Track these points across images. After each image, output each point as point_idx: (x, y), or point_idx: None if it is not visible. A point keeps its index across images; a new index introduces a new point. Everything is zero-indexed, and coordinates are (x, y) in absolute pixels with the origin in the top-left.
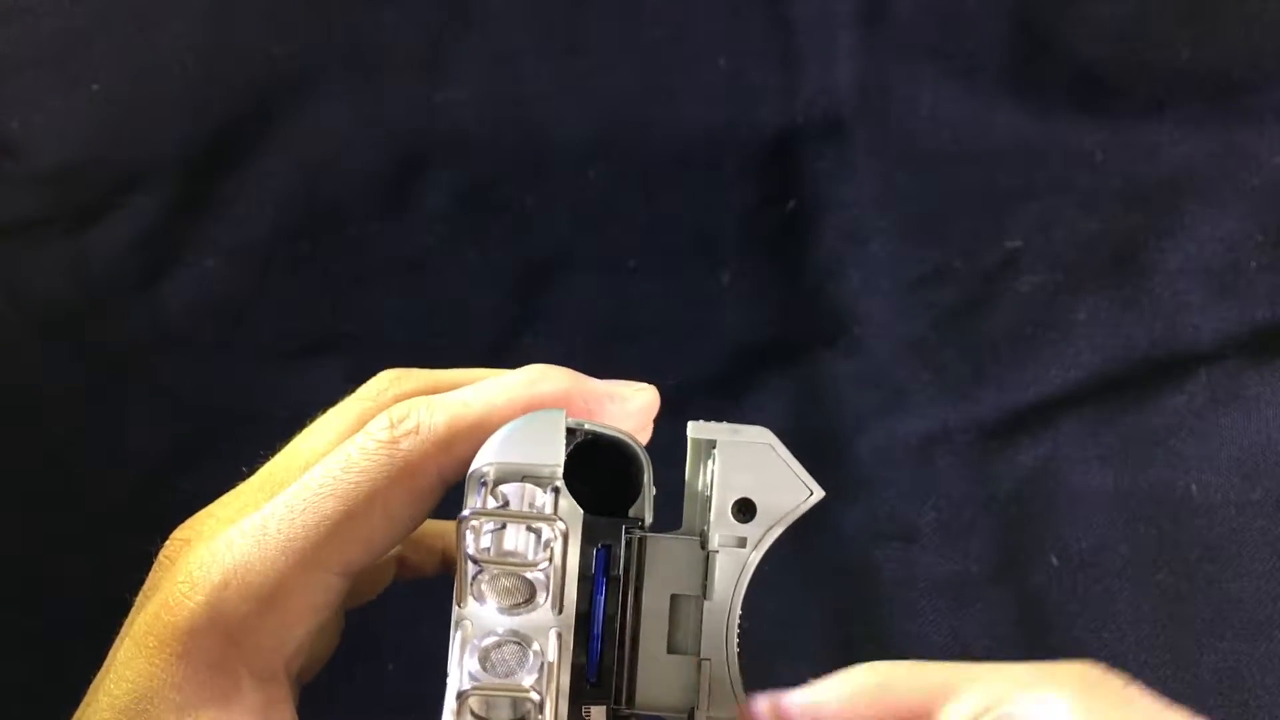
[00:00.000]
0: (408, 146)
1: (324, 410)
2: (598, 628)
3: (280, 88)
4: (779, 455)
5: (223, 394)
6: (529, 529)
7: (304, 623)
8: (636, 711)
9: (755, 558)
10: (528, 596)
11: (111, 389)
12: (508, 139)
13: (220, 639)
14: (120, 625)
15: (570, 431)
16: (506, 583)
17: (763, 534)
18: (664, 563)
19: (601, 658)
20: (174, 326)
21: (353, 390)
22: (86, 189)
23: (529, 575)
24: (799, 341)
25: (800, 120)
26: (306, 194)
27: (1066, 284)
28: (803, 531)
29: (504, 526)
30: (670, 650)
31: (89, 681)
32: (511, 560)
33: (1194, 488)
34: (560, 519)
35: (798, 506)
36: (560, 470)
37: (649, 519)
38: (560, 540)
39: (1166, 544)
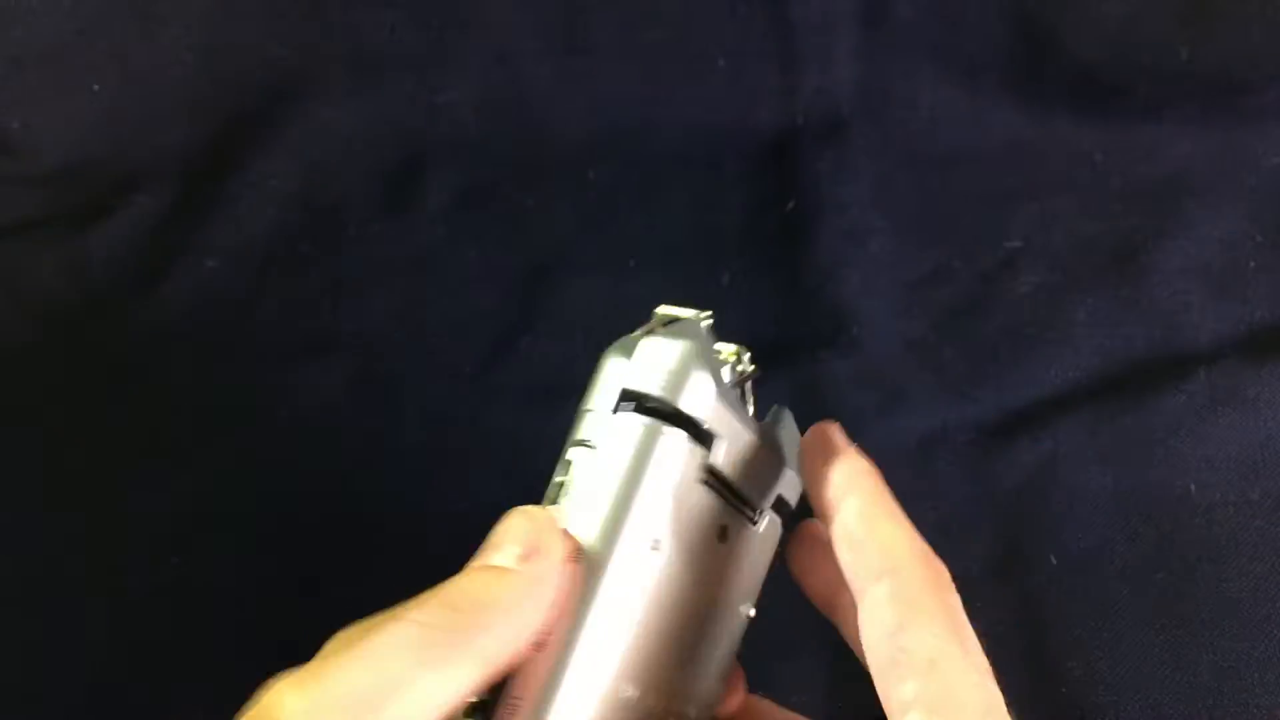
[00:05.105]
0: (408, 146)
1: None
2: None
3: (280, 88)
4: None
5: (223, 394)
6: None
7: None
8: None
9: None
10: None
11: (111, 389)
12: (508, 139)
13: None
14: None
15: None
16: None
17: None
18: None
19: None
20: (174, 326)
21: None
22: (86, 189)
23: None
24: (799, 341)
25: (800, 120)
26: (306, 194)
27: (1066, 284)
28: None
29: None
30: None
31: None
32: None
33: (1194, 488)
34: None
35: None
36: None
37: None
38: None
39: (1166, 544)
